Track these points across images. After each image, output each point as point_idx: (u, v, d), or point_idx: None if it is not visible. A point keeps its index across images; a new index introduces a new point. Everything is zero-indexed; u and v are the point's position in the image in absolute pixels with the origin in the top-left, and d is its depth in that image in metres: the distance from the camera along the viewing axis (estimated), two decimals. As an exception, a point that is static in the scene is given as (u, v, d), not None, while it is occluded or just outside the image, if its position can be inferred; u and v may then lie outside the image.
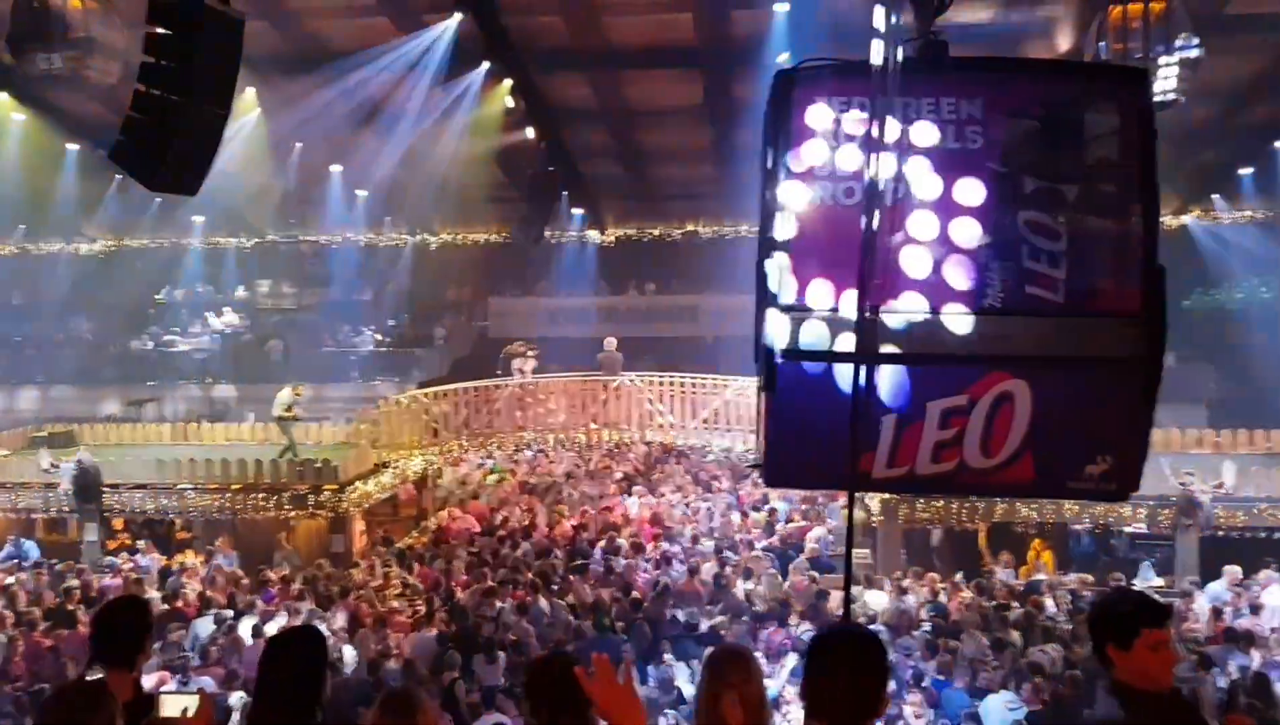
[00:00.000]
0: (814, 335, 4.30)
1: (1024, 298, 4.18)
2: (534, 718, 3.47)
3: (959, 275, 4.25)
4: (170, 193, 14.29)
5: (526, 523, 18.20)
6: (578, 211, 28.34)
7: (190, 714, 3.44)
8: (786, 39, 17.59)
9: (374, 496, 18.04)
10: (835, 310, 4.29)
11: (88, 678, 3.80)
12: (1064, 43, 18.42)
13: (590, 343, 23.21)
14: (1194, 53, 16.08)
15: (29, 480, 17.37)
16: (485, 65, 19.49)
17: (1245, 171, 23.84)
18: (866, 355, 4.15)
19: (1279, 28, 17.66)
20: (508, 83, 20.25)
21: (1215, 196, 25.26)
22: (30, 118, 22.35)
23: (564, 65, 20.76)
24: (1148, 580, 15.67)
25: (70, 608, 13.53)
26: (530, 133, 22.09)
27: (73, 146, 23.76)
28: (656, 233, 29.33)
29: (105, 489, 16.53)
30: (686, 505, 19.36)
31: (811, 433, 4.42)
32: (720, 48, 19.15)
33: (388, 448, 18.91)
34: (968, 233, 4.28)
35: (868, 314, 4.18)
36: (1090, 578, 15.61)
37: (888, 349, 4.23)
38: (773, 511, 18.18)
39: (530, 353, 21.86)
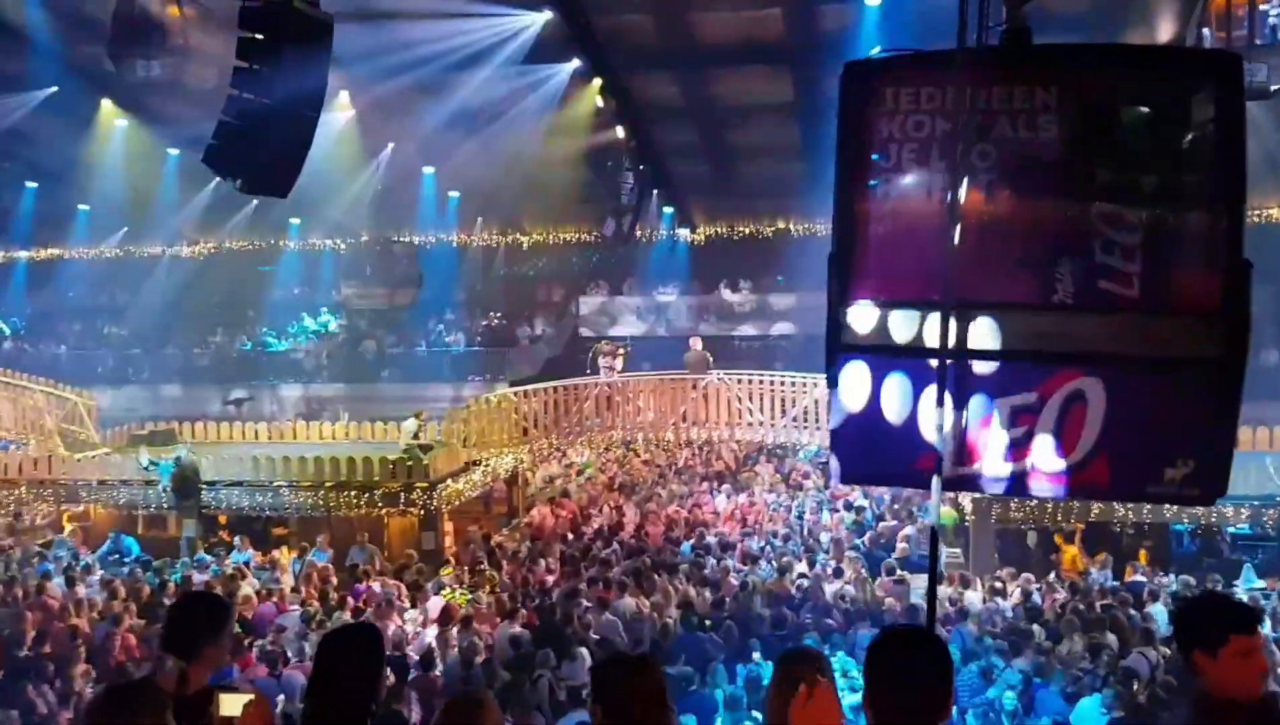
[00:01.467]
0: (882, 330, 4.21)
1: (1096, 293, 4.02)
2: (607, 719, 3.29)
3: (1029, 270, 4.11)
4: (262, 195, 14.70)
5: (615, 521, 18.20)
6: (667, 210, 28.36)
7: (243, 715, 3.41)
8: (877, 33, 17.37)
9: (464, 494, 18.15)
10: (904, 306, 4.20)
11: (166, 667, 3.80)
12: (1165, 31, 17.89)
13: (681, 341, 23.20)
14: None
15: (130, 477, 17.82)
16: (574, 63, 19.57)
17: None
18: (937, 351, 4.05)
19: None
20: (597, 82, 20.32)
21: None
22: (131, 123, 23.03)
23: (652, 64, 20.74)
24: (1250, 583, 15.12)
25: (167, 601, 13.80)
26: (619, 132, 22.14)
27: (173, 151, 24.36)
28: (747, 231, 29.19)
29: (203, 486, 16.88)
30: (777, 503, 19.23)
31: (877, 429, 4.33)
32: (810, 43, 18.96)
33: (478, 446, 19.03)
34: (1037, 227, 4.15)
35: (939, 311, 4.08)
36: (1191, 580, 15.12)
37: (954, 345, 4.11)
38: (860, 511, 17.93)
39: (619, 351, 21.86)
